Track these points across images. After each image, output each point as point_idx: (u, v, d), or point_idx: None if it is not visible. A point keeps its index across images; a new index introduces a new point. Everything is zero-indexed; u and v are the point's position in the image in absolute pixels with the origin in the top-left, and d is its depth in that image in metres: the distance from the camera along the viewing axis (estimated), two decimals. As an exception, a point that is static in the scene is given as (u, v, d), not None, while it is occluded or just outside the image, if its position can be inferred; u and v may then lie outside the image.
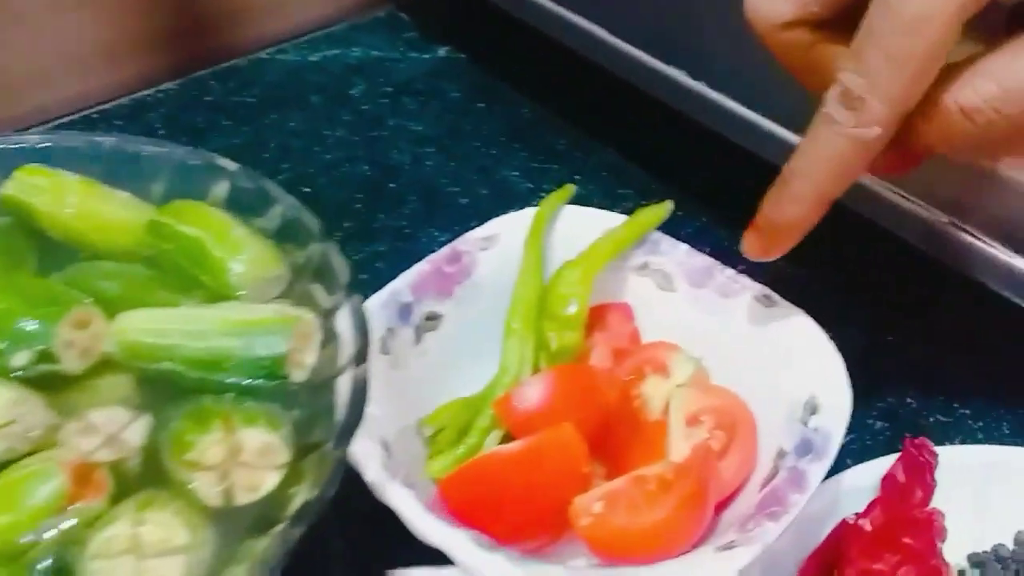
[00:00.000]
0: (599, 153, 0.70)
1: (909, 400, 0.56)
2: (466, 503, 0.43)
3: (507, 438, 0.46)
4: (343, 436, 0.36)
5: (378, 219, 0.64)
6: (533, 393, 0.46)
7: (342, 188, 0.66)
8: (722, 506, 0.44)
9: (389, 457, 0.41)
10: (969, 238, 0.51)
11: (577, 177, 0.68)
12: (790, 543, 0.44)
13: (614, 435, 0.48)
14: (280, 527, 0.33)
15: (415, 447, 0.47)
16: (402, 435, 0.46)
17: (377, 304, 0.47)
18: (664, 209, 0.53)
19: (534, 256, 0.50)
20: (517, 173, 0.68)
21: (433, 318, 0.49)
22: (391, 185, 0.67)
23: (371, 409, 0.42)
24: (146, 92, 0.74)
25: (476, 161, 0.69)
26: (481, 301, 0.50)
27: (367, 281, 0.49)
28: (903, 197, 0.53)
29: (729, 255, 0.64)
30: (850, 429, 0.54)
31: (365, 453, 0.41)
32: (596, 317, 0.52)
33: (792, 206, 0.42)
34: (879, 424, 0.54)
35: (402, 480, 0.41)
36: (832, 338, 0.50)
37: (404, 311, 0.48)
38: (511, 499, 0.43)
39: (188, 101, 0.73)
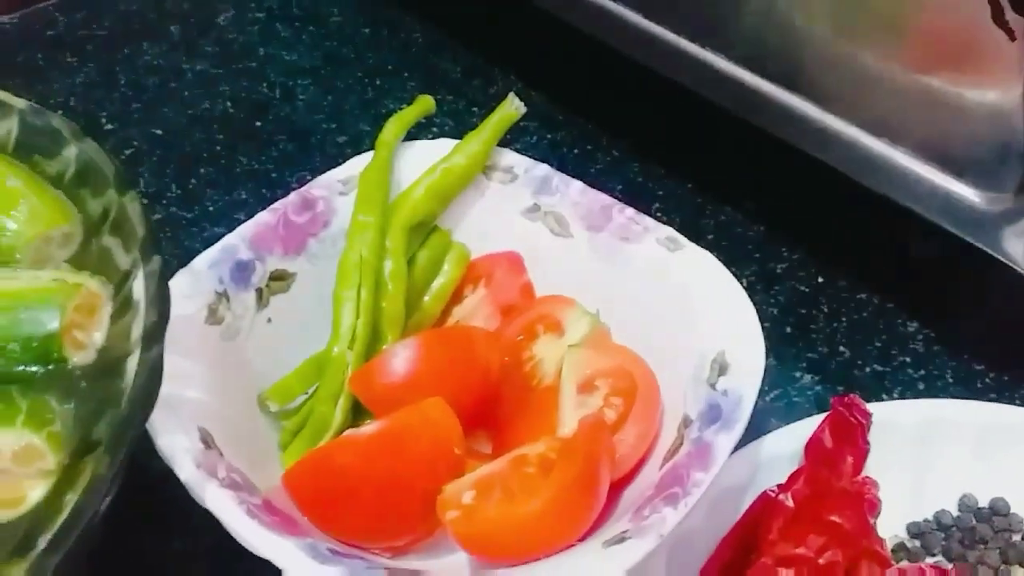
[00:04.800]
0: (499, 82, 0.62)
1: (842, 349, 0.49)
2: (315, 497, 0.36)
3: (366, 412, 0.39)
4: (123, 432, 0.29)
5: (240, 163, 0.56)
6: (397, 364, 0.38)
7: (200, 129, 0.58)
8: (621, 484, 0.38)
9: (210, 451, 0.34)
10: (902, 160, 0.44)
11: (475, 109, 0.60)
12: (703, 519, 0.38)
13: (502, 405, 0.41)
14: (35, 553, 0.26)
15: (266, 433, 0.40)
16: (243, 419, 0.39)
17: (204, 264, 0.39)
18: (513, 108, 0.45)
19: (375, 195, 0.42)
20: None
21: (281, 278, 0.42)
22: (257, 124, 0.58)
23: (190, 393, 0.36)
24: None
25: (358, 94, 0.60)
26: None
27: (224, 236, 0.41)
28: (830, 118, 0.46)
29: (643, 192, 0.57)
30: (774, 384, 0.49)
31: (176, 448, 0.33)
32: (481, 269, 0.45)
33: None
34: (807, 378, 0.48)
35: (242, 475, 0.34)
36: (753, 280, 0.44)
37: (242, 270, 0.40)
38: (370, 491, 0.35)
39: (27, 36, 0.64)
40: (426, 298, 0.44)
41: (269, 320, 0.41)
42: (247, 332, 0.40)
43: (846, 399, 0.41)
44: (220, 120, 0.58)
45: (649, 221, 0.43)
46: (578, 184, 0.45)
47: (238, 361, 0.39)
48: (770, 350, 0.49)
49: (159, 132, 0.57)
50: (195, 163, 0.55)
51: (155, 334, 0.31)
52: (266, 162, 0.56)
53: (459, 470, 0.37)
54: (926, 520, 0.42)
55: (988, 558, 0.41)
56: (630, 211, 0.44)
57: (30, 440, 0.29)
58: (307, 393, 0.41)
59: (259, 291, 0.41)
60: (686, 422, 0.37)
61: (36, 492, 0.29)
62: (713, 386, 0.37)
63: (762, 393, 0.47)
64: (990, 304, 0.51)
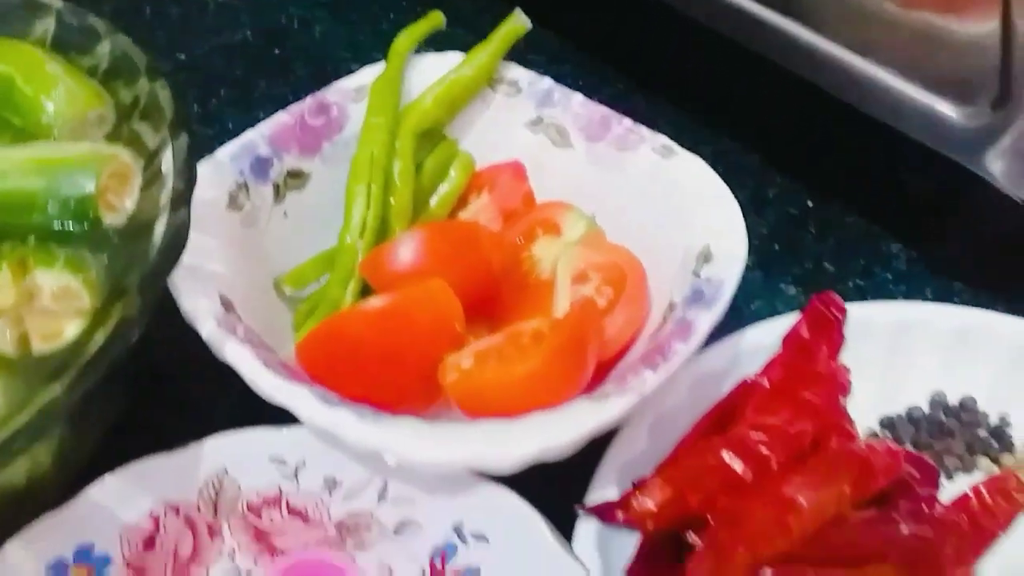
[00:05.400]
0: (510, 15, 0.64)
1: (826, 266, 0.52)
2: (326, 365, 0.38)
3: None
4: (151, 281, 0.32)
5: (258, 87, 0.58)
6: (404, 251, 0.41)
7: (221, 56, 0.60)
8: (610, 364, 0.41)
9: (230, 315, 0.37)
10: (887, 80, 0.46)
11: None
12: (685, 401, 0.41)
13: (501, 298, 0.44)
14: (71, 373, 0.29)
15: (281, 315, 0.43)
16: (260, 298, 0.41)
17: (226, 156, 0.42)
18: (520, 22, 0.48)
19: (387, 101, 0.45)
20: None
21: (297, 175, 0.45)
22: (275, 51, 0.61)
23: (212, 266, 0.39)
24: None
25: (372, 25, 0.63)
26: (354, 159, 0.45)
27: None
28: (821, 41, 0.48)
29: (645, 124, 0.59)
30: (760, 295, 0.51)
31: (199, 309, 0.36)
32: (485, 178, 0.48)
33: None
34: (792, 290, 0.51)
35: (259, 338, 0.37)
36: (745, 204, 0.46)
37: (261, 165, 0.43)
38: (376, 360, 0.38)
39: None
40: (432, 203, 0.47)
41: (285, 214, 0.44)
42: (265, 222, 0.43)
43: (824, 295, 0.43)
44: (240, 48, 0.61)
45: (645, 131, 0.46)
46: (579, 96, 0.47)
47: (256, 247, 0.42)
48: (758, 265, 0.52)
49: (182, 57, 0.60)
50: (216, 86, 0.58)
51: (181, 199, 0.34)
52: (283, 87, 0.59)
53: (459, 345, 0.39)
54: (898, 415, 0.44)
55: (954, 448, 0.43)
56: (627, 122, 0.46)
57: (68, 282, 0.32)
58: (319, 282, 0.44)
59: (276, 186, 0.44)
60: (671, 307, 0.40)
61: (72, 329, 0.32)
62: (697, 274, 0.40)
63: (748, 303, 0.51)
64: (970, 226, 0.53)
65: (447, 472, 0.34)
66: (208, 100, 0.57)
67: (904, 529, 0.36)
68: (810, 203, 0.55)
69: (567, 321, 0.38)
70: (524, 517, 0.34)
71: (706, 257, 0.40)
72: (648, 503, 0.35)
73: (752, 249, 0.51)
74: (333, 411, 0.34)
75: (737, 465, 0.36)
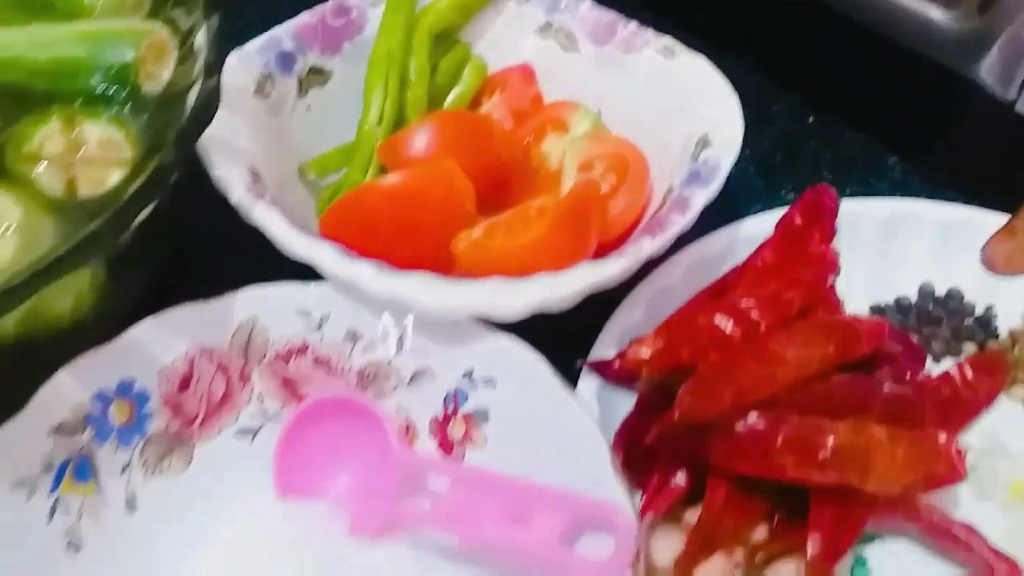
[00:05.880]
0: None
1: (825, 174, 0.54)
2: (347, 237, 0.41)
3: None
4: (185, 136, 0.35)
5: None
6: (420, 137, 0.44)
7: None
8: (614, 246, 0.43)
9: (258, 184, 0.40)
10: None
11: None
12: (682, 281, 0.43)
13: (510, 190, 0.46)
14: (111, 210, 0.32)
15: (304, 199, 0.46)
16: (285, 182, 0.44)
17: (254, 48, 0.45)
18: None
19: (403, 3, 0.47)
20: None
21: (319, 72, 0.47)
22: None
23: (242, 143, 0.41)
24: None
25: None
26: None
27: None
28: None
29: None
30: (760, 200, 0.53)
31: (230, 177, 0.39)
32: (497, 81, 0.50)
33: None
34: (791, 196, 0.53)
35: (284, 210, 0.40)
36: (749, 121, 0.48)
37: (285, 59, 0.46)
38: (393, 234, 0.41)
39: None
40: (446, 104, 0.49)
41: (308, 108, 0.47)
42: (289, 112, 0.46)
43: (819, 186, 0.46)
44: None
45: (650, 33, 0.48)
46: (587, 2, 0.50)
47: (281, 135, 0.45)
48: (760, 174, 0.54)
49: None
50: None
51: (212, 69, 0.37)
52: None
53: (470, 224, 0.42)
54: (888, 303, 0.46)
55: (941, 334, 0.46)
56: (633, 25, 0.48)
57: (112, 134, 0.35)
58: (340, 171, 0.47)
59: (300, 80, 0.47)
60: (671, 190, 0.43)
61: (114, 177, 0.34)
62: (695, 159, 0.43)
63: (748, 208, 0.53)
64: (962, 133, 0.56)
65: (458, 319, 0.37)
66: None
67: (886, 387, 0.39)
68: (811, 119, 0.57)
69: (570, 195, 0.41)
70: (530, 362, 0.36)
71: (704, 143, 0.43)
72: (643, 352, 0.37)
73: (754, 160, 0.54)
74: (354, 264, 0.37)
75: (727, 326, 0.39)
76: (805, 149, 0.55)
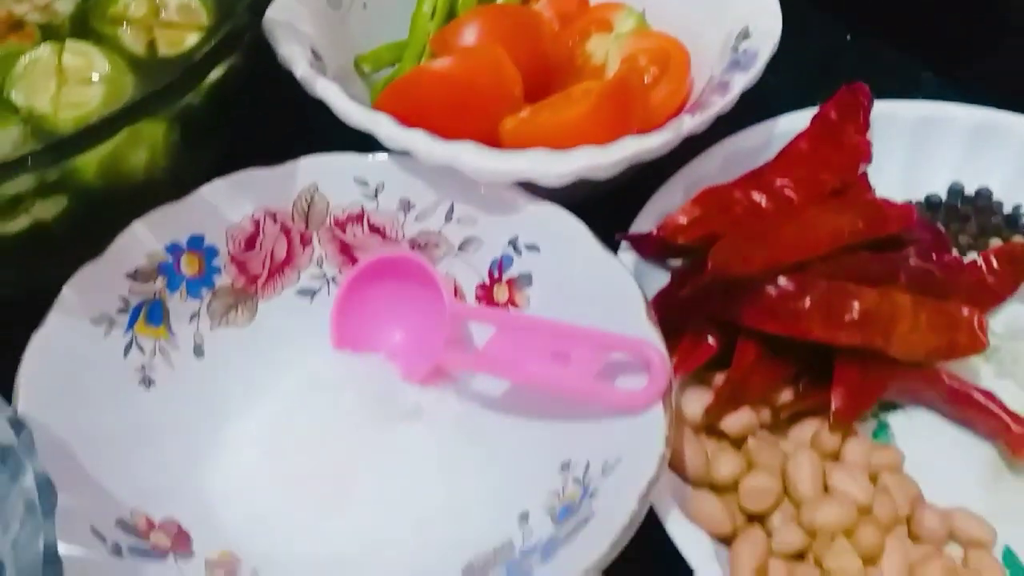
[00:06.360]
0: None
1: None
2: (400, 116, 0.43)
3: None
4: (255, 5, 0.37)
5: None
6: (469, 29, 0.46)
7: None
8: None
9: (319, 62, 0.42)
10: None
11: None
12: (719, 170, 0.45)
13: (556, 85, 0.48)
14: (185, 67, 0.34)
15: (360, 91, 0.48)
16: (341, 72, 0.47)
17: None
18: None
19: None
20: None
21: (375, -31, 0.50)
22: None
23: (303, 27, 0.44)
24: None
25: None
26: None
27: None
28: None
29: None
30: (799, 108, 0.55)
31: (295, 54, 0.41)
32: (544, -14, 0.53)
33: None
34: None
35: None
36: (786, 36, 0.50)
37: (345, -45, 0.48)
38: (443, 115, 0.43)
39: None
40: None
41: (364, 6, 0.49)
42: (347, 8, 0.48)
43: (853, 84, 0.47)
44: None
45: (692, -62, 0.50)
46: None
47: (340, 27, 0.47)
48: (797, 85, 0.56)
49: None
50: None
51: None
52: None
53: (517, 110, 0.44)
54: (917, 200, 0.48)
55: (968, 230, 0.47)
56: (676, -70, 0.50)
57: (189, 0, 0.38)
58: (394, 66, 0.49)
59: (358, -21, 0.49)
60: (711, 80, 0.45)
61: (191, 39, 0.37)
62: (735, 49, 0.44)
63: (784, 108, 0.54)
64: (999, 54, 0.57)
65: (505, 185, 0.39)
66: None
67: (913, 262, 0.40)
68: (849, 36, 0.58)
69: (614, 77, 0.43)
70: (572, 228, 0.38)
71: (744, 35, 0.45)
72: (680, 219, 0.39)
73: (792, 72, 0.55)
74: (409, 132, 0.39)
75: (762, 200, 0.41)
76: (842, 65, 0.57)
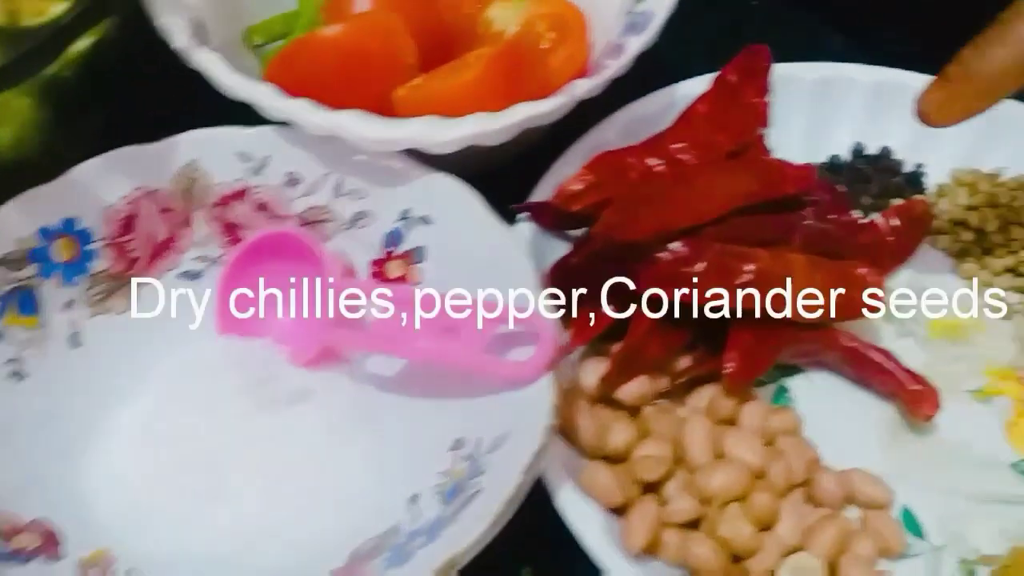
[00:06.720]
0: None
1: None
2: (289, 85, 0.41)
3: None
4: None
5: None
6: (362, -5, 0.45)
7: None
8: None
9: (202, 33, 0.40)
10: None
11: None
12: (619, 138, 0.44)
13: (454, 54, 0.47)
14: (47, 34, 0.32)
15: (251, 65, 0.46)
16: (230, 46, 0.45)
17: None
18: None
19: None
20: None
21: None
22: None
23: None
24: None
25: None
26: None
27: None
28: None
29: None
30: (703, 75, 0.55)
31: (173, 24, 0.40)
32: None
33: (1003, 50, 0.35)
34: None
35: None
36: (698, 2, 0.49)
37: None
38: (334, 83, 0.41)
39: None
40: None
41: (253, -26, 0.47)
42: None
43: (753, 46, 0.47)
44: None
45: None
46: None
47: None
48: (703, 54, 0.55)
49: None
50: None
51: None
52: None
53: (411, 78, 0.43)
54: (820, 163, 0.48)
55: (870, 190, 0.47)
56: None
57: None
58: (284, 38, 0.47)
59: (245, -58, 0.47)
60: (608, 44, 0.44)
61: (57, 8, 0.35)
62: (631, 12, 0.43)
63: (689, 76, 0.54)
64: (905, 14, 0.57)
65: (392, 150, 0.38)
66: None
67: (807, 222, 0.40)
68: (754, 1, 0.58)
69: (506, 40, 0.42)
70: (464, 198, 0.37)
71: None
72: (573, 186, 0.38)
73: (698, 39, 0.55)
74: (291, 101, 0.38)
75: (658, 164, 0.40)
76: (749, 30, 0.56)
